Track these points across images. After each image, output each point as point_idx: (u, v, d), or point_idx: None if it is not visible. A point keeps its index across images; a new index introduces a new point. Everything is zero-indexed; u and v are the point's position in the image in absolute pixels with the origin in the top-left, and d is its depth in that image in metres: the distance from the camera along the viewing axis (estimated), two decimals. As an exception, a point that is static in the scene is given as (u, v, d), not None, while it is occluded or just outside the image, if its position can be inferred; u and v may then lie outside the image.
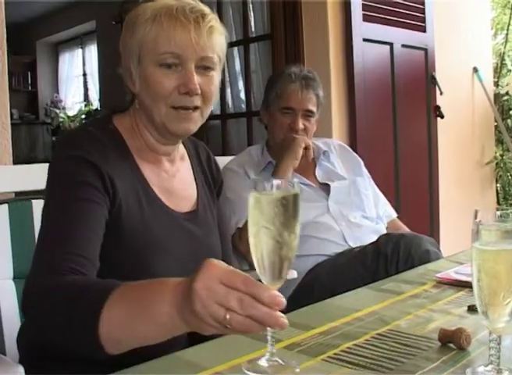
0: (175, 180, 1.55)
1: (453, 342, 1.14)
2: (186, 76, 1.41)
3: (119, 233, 1.38)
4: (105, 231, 1.34)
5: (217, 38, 1.44)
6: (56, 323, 1.12)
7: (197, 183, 1.62)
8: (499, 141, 5.44)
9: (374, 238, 2.38)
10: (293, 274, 2.32)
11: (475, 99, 4.99)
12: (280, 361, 1.03)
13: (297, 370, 1.04)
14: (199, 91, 1.42)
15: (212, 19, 1.44)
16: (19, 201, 1.78)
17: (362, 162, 2.87)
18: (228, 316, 0.88)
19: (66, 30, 9.47)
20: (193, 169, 1.64)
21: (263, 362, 1.03)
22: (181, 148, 1.62)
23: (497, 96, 5.41)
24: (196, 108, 1.44)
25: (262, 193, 1.01)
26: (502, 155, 5.29)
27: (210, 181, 1.68)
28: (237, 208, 2.42)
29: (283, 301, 0.89)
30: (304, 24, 3.78)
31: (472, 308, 1.36)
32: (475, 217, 0.98)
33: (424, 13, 4.26)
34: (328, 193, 2.62)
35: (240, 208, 2.41)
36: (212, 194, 1.68)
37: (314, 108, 2.66)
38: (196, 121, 1.47)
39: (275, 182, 1.02)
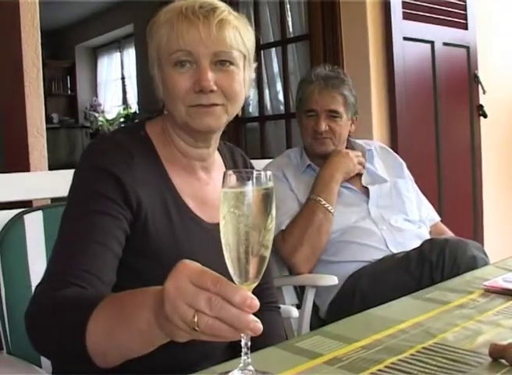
0: (208, 189, 1.49)
1: (504, 358, 1.07)
2: (200, 72, 1.36)
3: (147, 246, 1.34)
4: (133, 245, 1.33)
5: (230, 31, 1.38)
6: (49, 339, 1.12)
7: None
8: (545, 141, 5.30)
9: (416, 243, 2.31)
10: (333, 280, 2.26)
11: (519, 97, 4.87)
12: (255, 372, 0.95)
13: None
14: (214, 88, 1.36)
15: (223, 12, 1.38)
16: (54, 207, 1.76)
17: (404, 164, 2.79)
18: (196, 318, 0.83)
19: (105, 34, 9.58)
20: None
21: (236, 373, 0.95)
22: (218, 158, 1.58)
23: (542, 94, 5.27)
24: (215, 105, 1.39)
25: (232, 187, 0.93)
26: (548, 155, 5.15)
27: None
28: (278, 211, 2.38)
29: (256, 303, 0.83)
30: (342, 24, 3.72)
31: (524, 320, 1.29)
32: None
33: (465, 10, 4.17)
34: (368, 196, 2.57)
35: (282, 211, 2.36)
36: None
37: (339, 108, 2.56)
38: (218, 116, 1.41)
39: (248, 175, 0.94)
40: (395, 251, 2.38)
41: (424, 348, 1.17)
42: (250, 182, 0.92)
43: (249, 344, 0.93)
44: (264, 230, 0.92)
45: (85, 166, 1.37)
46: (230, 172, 0.94)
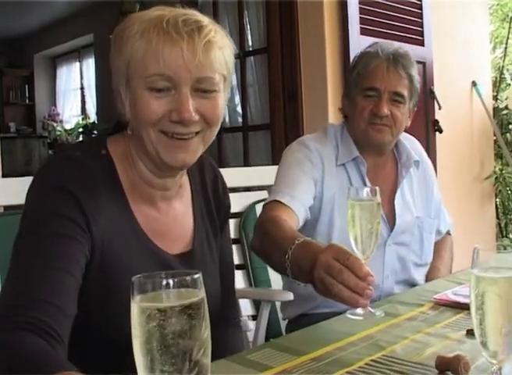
0: (168, 219, 1.39)
1: (450, 370, 1.09)
2: (180, 100, 1.22)
3: (104, 274, 1.23)
4: (91, 272, 1.21)
5: (216, 54, 1.24)
6: None
7: (195, 219, 1.45)
8: (499, 156, 5.39)
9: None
10: (288, 296, 2.11)
11: (474, 113, 4.95)
12: None
13: None
14: (196, 118, 1.24)
15: (210, 31, 1.24)
16: (7, 215, 1.73)
17: (435, 185, 2.44)
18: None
19: (64, 44, 9.50)
20: (193, 200, 1.47)
21: None
22: (185, 181, 1.47)
23: (496, 110, 5.37)
24: (192, 136, 1.27)
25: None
26: (501, 170, 5.24)
27: (213, 212, 1.51)
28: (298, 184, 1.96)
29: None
30: (300, 37, 3.75)
31: (471, 333, 1.31)
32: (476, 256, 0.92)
33: (422, 27, 4.23)
34: (391, 227, 2.10)
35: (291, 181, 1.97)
36: (215, 229, 1.50)
37: (404, 92, 2.07)
38: (195, 149, 1.29)
39: None
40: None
41: (372, 360, 1.18)
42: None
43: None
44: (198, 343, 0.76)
45: (43, 185, 1.24)
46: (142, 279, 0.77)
